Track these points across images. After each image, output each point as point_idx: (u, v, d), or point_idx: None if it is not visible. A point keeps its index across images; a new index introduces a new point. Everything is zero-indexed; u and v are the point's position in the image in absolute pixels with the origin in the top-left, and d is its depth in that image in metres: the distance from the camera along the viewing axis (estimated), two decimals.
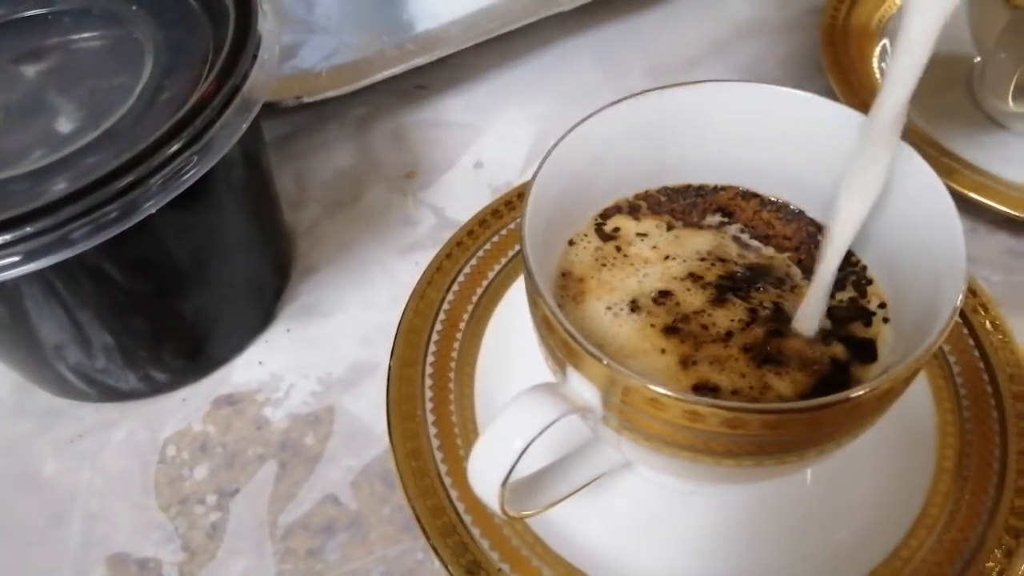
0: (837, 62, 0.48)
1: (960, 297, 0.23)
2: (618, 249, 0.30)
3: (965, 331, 0.35)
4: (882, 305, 0.28)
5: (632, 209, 0.31)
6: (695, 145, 0.31)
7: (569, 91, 0.51)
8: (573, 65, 0.52)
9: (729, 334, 0.27)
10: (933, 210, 0.26)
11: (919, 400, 0.33)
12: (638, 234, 0.31)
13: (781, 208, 0.31)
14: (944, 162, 0.42)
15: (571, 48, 0.53)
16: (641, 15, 0.55)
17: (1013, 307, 0.37)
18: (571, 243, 0.30)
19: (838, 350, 0.27)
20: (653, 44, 0.53)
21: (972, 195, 0.40)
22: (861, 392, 0.22)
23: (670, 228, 0.31)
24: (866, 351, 0.27)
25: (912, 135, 0.26)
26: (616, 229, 0.31)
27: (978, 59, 0.46)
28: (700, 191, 0.32)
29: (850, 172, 0.27)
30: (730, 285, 0.28)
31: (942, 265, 0.25)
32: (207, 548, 0.33)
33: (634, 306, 0.28)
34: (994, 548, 0.29)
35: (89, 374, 0.36)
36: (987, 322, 0.35)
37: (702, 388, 0.26)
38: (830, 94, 0.46)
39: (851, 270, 0.29)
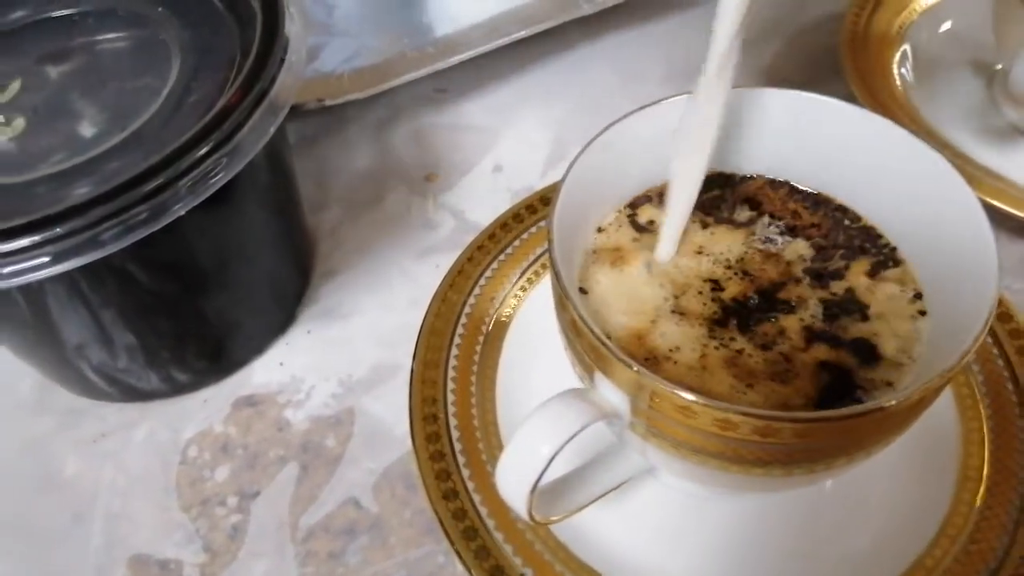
0: (857, 66, 0.47)
1: (992, 308, 0.23)
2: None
3: (989, 339, 0.35)
4: (918, 295, 0.28)
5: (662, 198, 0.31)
6: (725, 140, 0.31)
7: (588, 96, 0.51)
8: (592, 70, 0.52)
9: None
10: (965, 220, 0.26)
11: (943, 409, 0.33)
12: None
13: (808, 197, 0.31)
14: (966, 169, 0.42)
15: (590, 53, 0.53)
16: (659, 21, 0.55)
17: None
18: (600, 230, 0.30)
19: (840, 355, 0.27)
20: (671, 50, 0.53)
21: (993, 202, 0.40)
22: (893, 402, 0.22)
23: (705, 226, 0.30)
24: (866, 352, 0.27)
25: (933, 141, 0.26)
26: (651, 222, 0.31)
27: (1000, 66, 0.46)
28: (729, 180, 0.32)
29: (686, 125, 0.27)
30: (737, 309, 0.28)
31: (973, 274, 0.25)
32: (228, 549, 0.33)
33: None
34: (1019, 560, 0.29)
35: (111, 374, 0.36)
36: (1010, 330, 0.35)
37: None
38: (849, 98, 0.46)
39: (875, 250, 0.29)
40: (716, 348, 0.26)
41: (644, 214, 0.31)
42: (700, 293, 0.28)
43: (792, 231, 0.30)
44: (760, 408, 0.24)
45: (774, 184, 0.31)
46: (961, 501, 0.31)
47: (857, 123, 0.29)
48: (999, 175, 0.42)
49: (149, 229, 0.28)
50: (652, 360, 0.26)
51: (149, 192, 0.27)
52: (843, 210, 0.30)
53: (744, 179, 0.32)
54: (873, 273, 0.28)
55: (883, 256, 0.29)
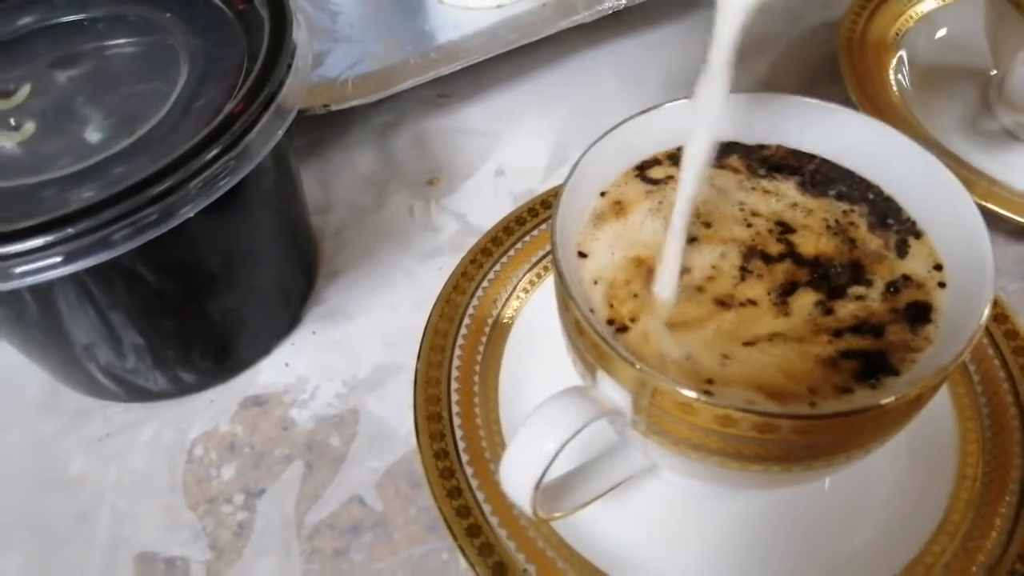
0: (854, 72, 0.48)
1: (987, 310, 0.24)
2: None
3: (985, 340, 0.35)
4: (938, 267, 0.27)
5: (674, 159, 0.31)
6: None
7: (588, 101, 0.51)
8: (592, 76, 0.53)
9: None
10: (962, 222, 0.26)
11: (940, 408, 0.33)
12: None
13: (827, 163, 0.31)
14: (962, 173, 0.42)
15: (590, 59, 0.54)
16: (658, 28, 0.56)
17: None
18: (603, 194, 0.30)
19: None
20: (670, 56, 0.54)
21: (989, 206, 0.41)
22: (891, 399, 0.22)
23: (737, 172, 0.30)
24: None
25: (930, 146, 0.26)
26: (670, 177, 0.30)
27: (995, 72, 0.47)
28: (747, 148, 0.31)
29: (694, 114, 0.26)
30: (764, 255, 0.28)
31: (970, 273, 0.25)
32: (234, 547, 0.34)
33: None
34: (1016, 557, 0.29)
35: (118, 374, 0.36)
36: (1006, 330, 0.35)
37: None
38: (847, 103, 0.47)
39: (896, 225, 0.29)
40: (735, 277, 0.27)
41: (656, 172, 0.31)
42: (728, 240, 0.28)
43: (816, 188, 0.30)
44: (762, 388, 0.24)
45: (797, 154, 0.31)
46: (959, 499, 0.31)
47: (855, 127, 0.30)
48: (994, 179, 0.43)
49: (159, 230, 0.28)
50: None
51: (159, 194, 0.28)
52: (864, 183, 0.30)
53: (761, 146, 0.32)
54: (900, 246, 0.28)
55: (905, 227, 0.28)
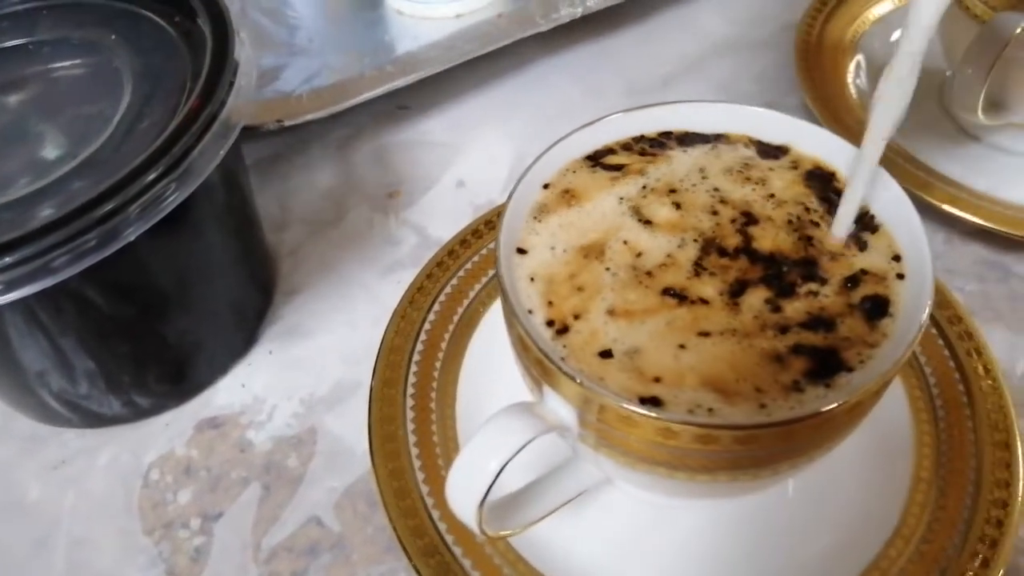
0: (811, 76, 0.48)
1: (926, 314, 0.24)
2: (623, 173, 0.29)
3: (940, 341, 0.35)
4: (896, 258, 0.27)
5: (628, 148, 0.31)
6: None
7: (548, 110, 0.51)
8: (551, 85, 0.53)
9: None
10: (906, 225, 0.26)
11: (896, 411, 0.33)
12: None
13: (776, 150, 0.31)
14: (918, 175, 0.43)
15: (549, 68, 0.54)
16: (617, 35, 0.56)
17: (986, 317, 0.38)
18: (546, 187, 0.30)
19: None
20: (629, 63, 0.54)
21: (946, 207, 0.41)
22: (832, 406, 0.22)
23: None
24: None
25: (886, 148, 0.26)
26: (623, 166, 0.30)
27: (949, 72, 0.47)
28: (704, 137, 0.31)
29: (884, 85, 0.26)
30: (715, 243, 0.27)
31: (920, 266, 0.25)
32: (191, 572, 0.33)
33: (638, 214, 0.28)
34: (971, 558, 0.29)
35: (72, 400, 0.36)
36: (960, 332, 0.35)
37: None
38: (804, 108, 0.47)
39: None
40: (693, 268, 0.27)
41: (613, 160, 0.30)
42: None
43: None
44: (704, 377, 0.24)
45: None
46: (914, 502, 0.31)
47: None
48: (952, 180, 0.43)
49: (101, 255, 0.28)
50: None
51: (99, 218, 0.28)
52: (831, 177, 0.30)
53: (719, 136, 0.31)
54: (858, 239, 0.28)
55: (864, 220, 0.28)
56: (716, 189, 0.29)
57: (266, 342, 0.40)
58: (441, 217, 0.46)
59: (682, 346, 0.25)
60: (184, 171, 0.29)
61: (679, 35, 0.55)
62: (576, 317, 0.25)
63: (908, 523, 0.31)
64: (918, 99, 0.49)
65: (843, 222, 0.27)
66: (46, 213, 0.29)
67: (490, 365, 0.36)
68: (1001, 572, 0.29)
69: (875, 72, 0.50)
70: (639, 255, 0.27)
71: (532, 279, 0.27)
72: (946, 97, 0.47)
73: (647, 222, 0.28)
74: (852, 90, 0.49)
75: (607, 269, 0.27)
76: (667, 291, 0.26)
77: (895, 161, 0.43)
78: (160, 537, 0.34)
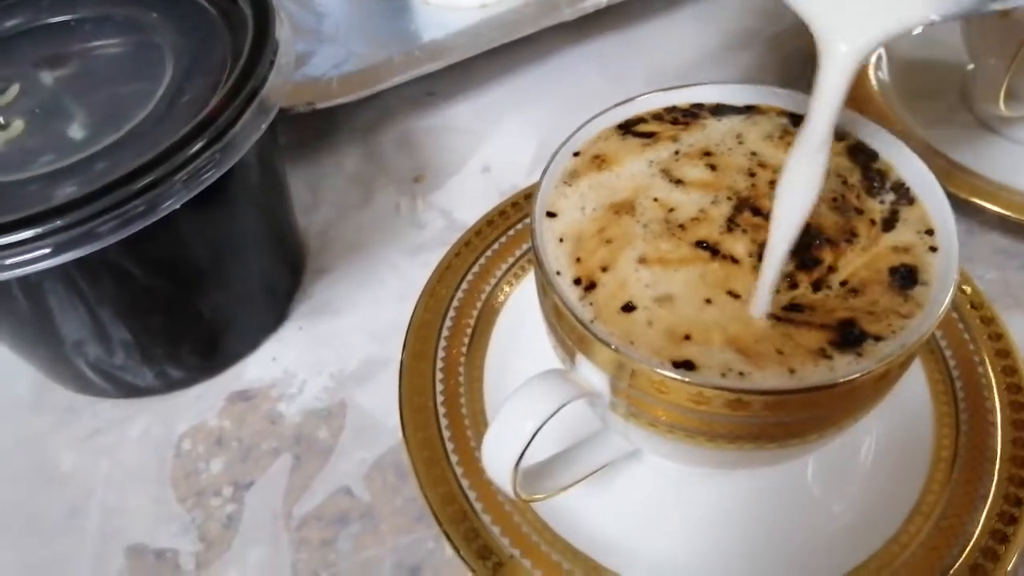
0: None
1: (954, 288, 0.24)
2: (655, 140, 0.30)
3: (960, 326, 0.36)
4: (929, 232, 0.27)
5: (659, 118, 0.31)
6: None
7: (571, 98, 0.52)
8: (575, 73, 0.54)
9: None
10: (935, 199, 0.27)
11: (917, 392, 0.34)
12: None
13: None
14: (940, 165, 0.43)
15: (573, 57, 0.55)
16: (640, 26, 0.57)
17: (1006, 304, 0.39)
18: (576, 154, 0.30)
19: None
20: (652, 53, 0.55)
21: (966, 197, 0.41)
22: (857, 375, 0.23)
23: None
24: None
25: (908, 140, 0.27)
26: (654, 133, 0.30)
27: (971, 66, 0.48)
28: (737, 109, 0.31)
29: (790, 171, 0.24)
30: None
31: (944, 251, 0.26)
32: (223, 539, 0.34)
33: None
34: (988, 533, 0.30)
35: (108, 370, 0.37)
36: (980, 317, 0.36)
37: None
38: None
39: (890, 190, 0.28)
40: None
41: (644, 128, 0.31)
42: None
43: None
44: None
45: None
46: (934, 480, 0.32)
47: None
48: (971, 170, 0.44)
49: (144, 222, 0.29)
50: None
51: (144, 187, 0.28)
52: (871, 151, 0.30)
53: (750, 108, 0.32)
54: (892, 212, 0.28)
55: (900, 192, 0.28)
56: (754, 153, 0.29)
57: (296, 319, 0.41)
58: (467, 201, 0.46)
59: (709, 300, 0.25)
60: (225, 145, 0.30)
61: (704, 25, 0.56)
62: (604, 269, 0.26)
63: (928, 500, 0.31)
64: (939, 92, 0.50)
65: (763, 293, 0.25)
66: (88, 184, 0.29)
67: (517, 342, 0.36)
68: (1019, 549, 0.29)
69: (896, 63, 0.50)
70: (671, 210, 0.28)
71: (561, 240, 0.27)
72: (967, 90, 0.48)
73: (678, 181, 0.28)
74: (874, 82, 0.49)
75: (638, 222, 0.27)
76: (700, 243, 0.26)
77: (915, 151, 0.43)
78: (192, 505, 0.35)
